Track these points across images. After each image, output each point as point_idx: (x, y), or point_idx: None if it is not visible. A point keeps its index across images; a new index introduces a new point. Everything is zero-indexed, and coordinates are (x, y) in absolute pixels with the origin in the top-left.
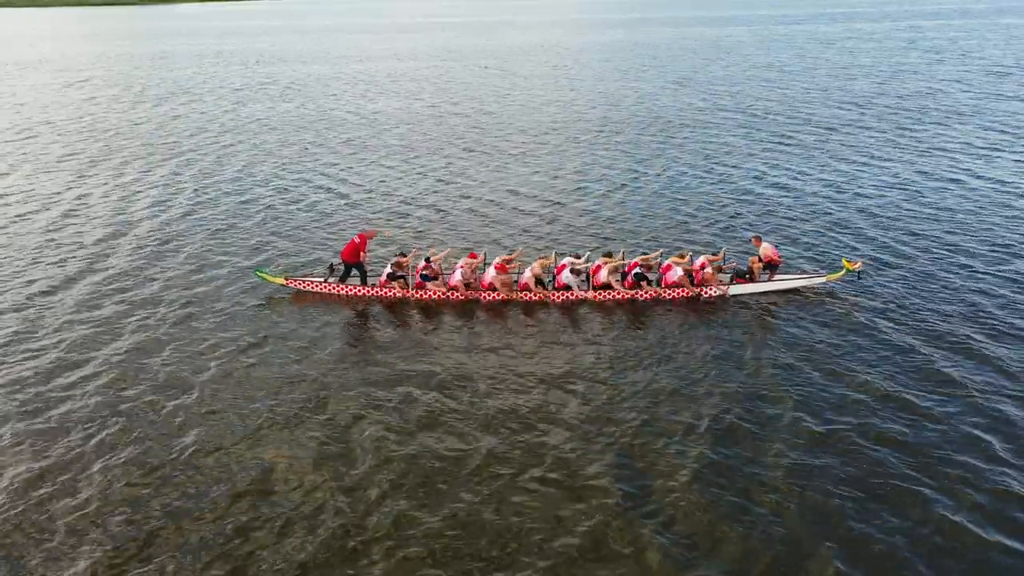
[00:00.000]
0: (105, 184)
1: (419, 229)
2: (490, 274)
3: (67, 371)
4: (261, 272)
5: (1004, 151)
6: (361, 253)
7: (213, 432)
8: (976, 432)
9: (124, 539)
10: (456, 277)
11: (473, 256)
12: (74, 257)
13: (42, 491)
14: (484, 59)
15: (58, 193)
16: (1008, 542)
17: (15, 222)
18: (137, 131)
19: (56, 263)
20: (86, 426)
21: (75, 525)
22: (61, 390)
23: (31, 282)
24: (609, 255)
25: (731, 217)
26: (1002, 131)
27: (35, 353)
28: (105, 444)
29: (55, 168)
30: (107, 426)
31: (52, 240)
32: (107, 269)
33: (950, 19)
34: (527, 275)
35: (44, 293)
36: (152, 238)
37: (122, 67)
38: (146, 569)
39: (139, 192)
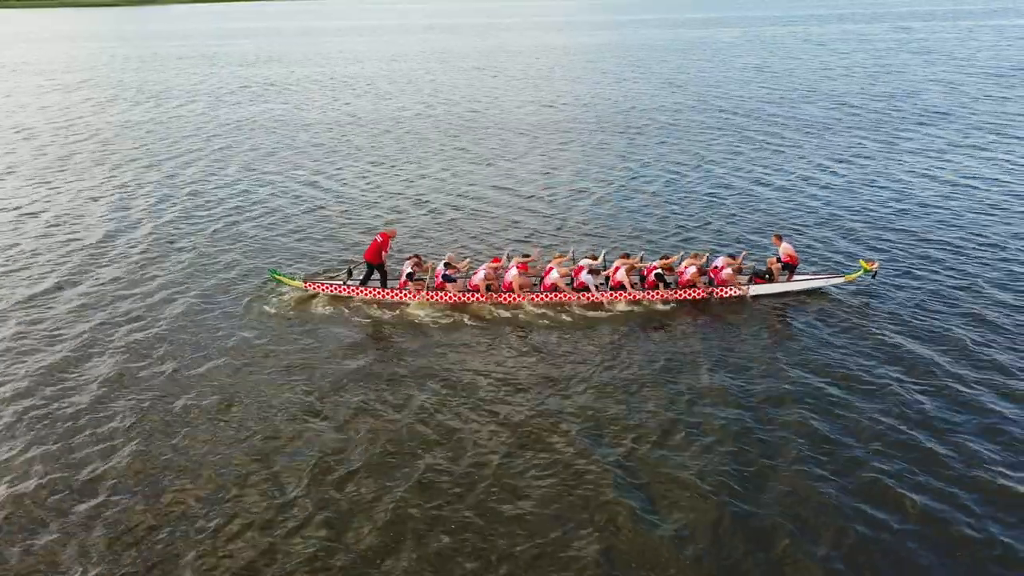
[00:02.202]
0: (103, 187)
1: (417, 230)
2: (511, 275)
3: (68, 375)
4: (277, 274)
5: (1007, 149)
6: (383, 252)
7: (223, 437)
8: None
9: (126, 538)
10: (478, 278)
11: (496, 261)
12: (76, 262)
13: (53, 491)
14: (476, 61)
15: (55, 196)
16: None
17: (13, 226)
18: (133, 133)
19: (60, 267)
20: (89, 427)
21: (74, 525)
22: (63, 393)
23: (34, 285)
24: (627, 256)
25: (732, 217)
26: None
27: (46, 351)
28: (115, 446)
29: (50, 172)
30: (115, 429)
31: (52, 244)
32: (110, 275)
33: (944, 20)
34: (554, 276)
35: (48, 296)
36: (154, 241)
37: (116, 69)
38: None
39: (138, 195)
